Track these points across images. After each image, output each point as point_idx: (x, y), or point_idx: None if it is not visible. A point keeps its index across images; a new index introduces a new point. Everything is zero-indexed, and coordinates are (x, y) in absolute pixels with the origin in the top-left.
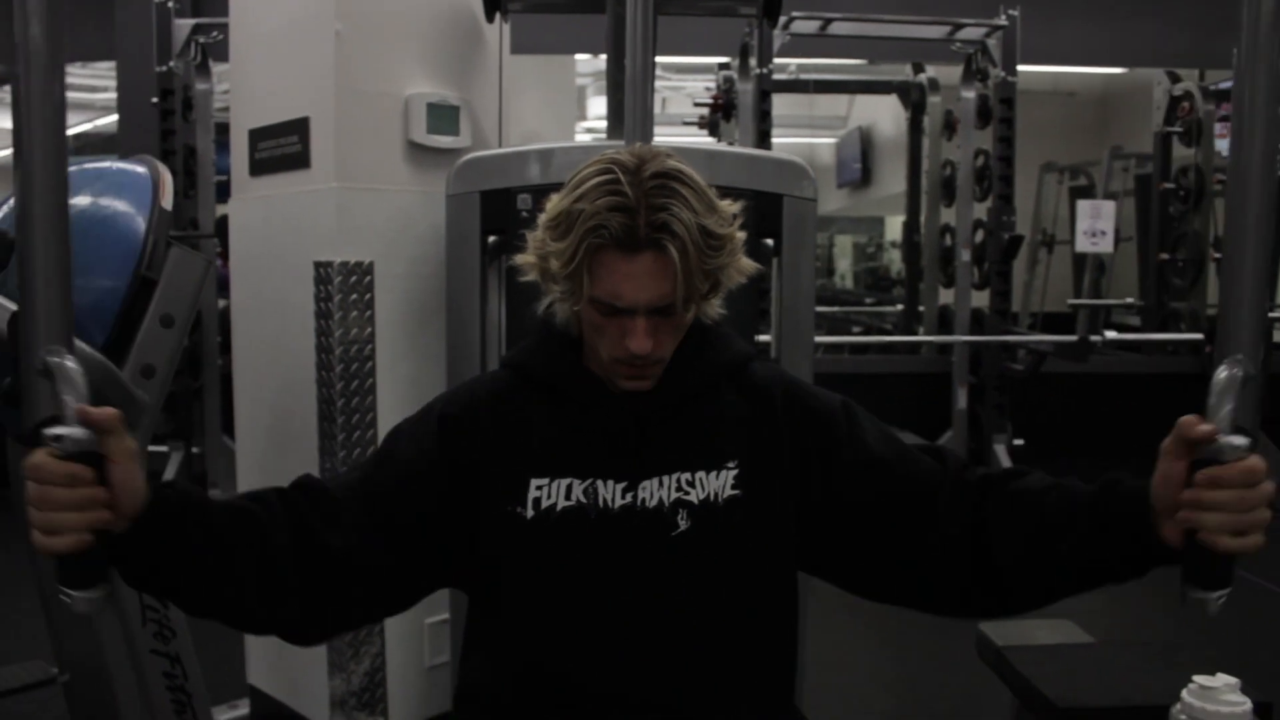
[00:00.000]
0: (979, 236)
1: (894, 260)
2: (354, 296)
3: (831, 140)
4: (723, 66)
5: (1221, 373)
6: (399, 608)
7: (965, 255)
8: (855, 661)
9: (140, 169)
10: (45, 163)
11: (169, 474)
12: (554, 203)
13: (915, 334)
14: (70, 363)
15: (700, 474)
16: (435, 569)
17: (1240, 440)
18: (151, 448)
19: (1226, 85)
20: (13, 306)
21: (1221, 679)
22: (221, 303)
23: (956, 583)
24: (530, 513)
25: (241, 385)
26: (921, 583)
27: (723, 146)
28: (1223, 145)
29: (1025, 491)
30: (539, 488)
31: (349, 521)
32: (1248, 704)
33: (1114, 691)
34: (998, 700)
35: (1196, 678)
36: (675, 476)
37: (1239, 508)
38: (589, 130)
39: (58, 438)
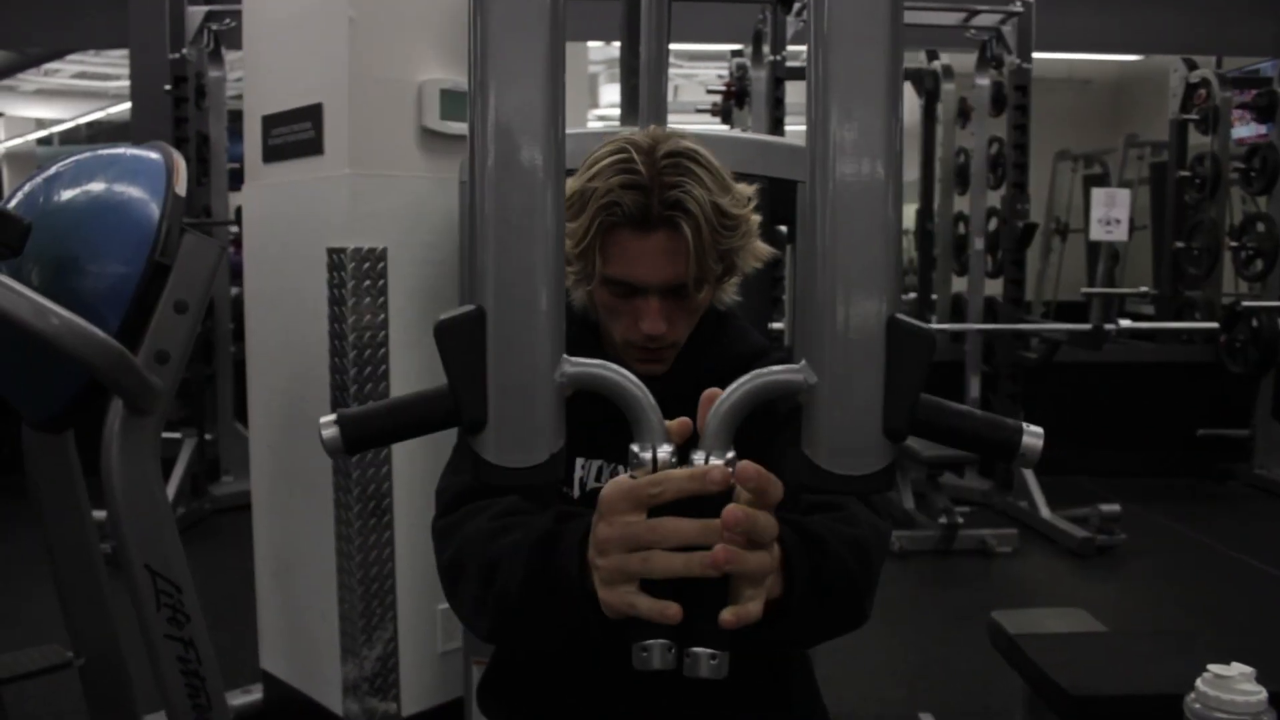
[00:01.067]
0: (993, 224)
1: (907, 248)
2: (367, 283)
3: None
4: (736, 54)
5: (744, 378)
6: None
7: (979, 243)
8: (867, 649)
9: (154, 155)
10: (547, 143)
11: (181, 461)
12: (568, 184)
13: (928, 322)
14: (620, 369)
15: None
16: None
17: (707, 457)
18: (164, 434)
19: (1249, 69)
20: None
21: (1236, 668)
22: (234, 290)
23: None
24: (576, 492)
25: (254, 372)
26: None
27: (736, 133)
28: (1239, 132)
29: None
30: (582, 467)
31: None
32: (1263, 693)
33: (1127, 680)
34: (1010, 688)
35: (1211, 666)
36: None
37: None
38: (601, 118)
39: (653, 461)
